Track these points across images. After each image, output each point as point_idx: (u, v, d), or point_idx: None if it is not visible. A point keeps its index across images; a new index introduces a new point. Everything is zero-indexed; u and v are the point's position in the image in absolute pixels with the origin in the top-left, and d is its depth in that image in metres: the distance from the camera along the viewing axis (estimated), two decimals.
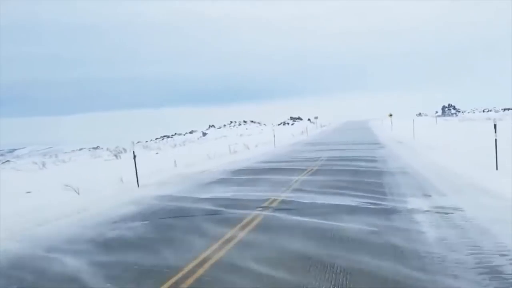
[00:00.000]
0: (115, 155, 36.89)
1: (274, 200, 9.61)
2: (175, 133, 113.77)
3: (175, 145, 54.35)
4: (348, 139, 33.09)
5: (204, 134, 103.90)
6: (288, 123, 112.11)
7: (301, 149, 24.96)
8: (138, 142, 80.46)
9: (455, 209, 7.75)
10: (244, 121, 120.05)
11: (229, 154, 25.66)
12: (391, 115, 60.20)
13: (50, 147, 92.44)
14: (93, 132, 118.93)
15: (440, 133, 32.74)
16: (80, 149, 68.85)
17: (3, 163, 40.22)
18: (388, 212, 7.78)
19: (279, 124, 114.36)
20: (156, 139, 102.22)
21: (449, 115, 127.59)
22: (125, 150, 57.16)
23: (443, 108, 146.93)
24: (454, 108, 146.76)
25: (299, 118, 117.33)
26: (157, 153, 39.74)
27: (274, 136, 29.64)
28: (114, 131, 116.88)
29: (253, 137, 53.36)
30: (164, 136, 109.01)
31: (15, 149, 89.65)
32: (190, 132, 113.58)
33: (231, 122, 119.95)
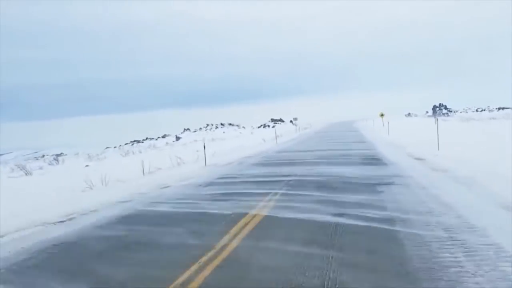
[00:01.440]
0: (25, 172, 25.80)
1: None
2: (146, 138, 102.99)
3: (127, 153, 42.92)
4: (330, 151, 21.17)
5: (178, 138, 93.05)
6: (268, 126, 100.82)
7: (235, 179, 12.57)
8: (107, 147, 72.22)
9: None
10: (222, 124, 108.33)
11: (137, 179, 14.47)
12: (382, 114, 48.82)
13: (36, 152, 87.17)
14: (80, 137, 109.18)
15: (463, 140, 21.04)
16: (43, 156, 61.21)
17: None
18: None
19: (259, 127, 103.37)
20: (126, 144, 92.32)
21: (440, 115, 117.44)
22: (56, 160, 45.21)
23: (434, 107, 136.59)
24: (446, 107, 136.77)
25: (281, 120, 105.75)
26: (87, 165, 28.62)
27: (204, 147, 17.68)
28: (98, 135, 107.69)
29: (226, 142, 42.66)
30: (135, 141, 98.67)
31: (2, 154, 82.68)
32: (163, 136, 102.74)
33: (208, 125, 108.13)
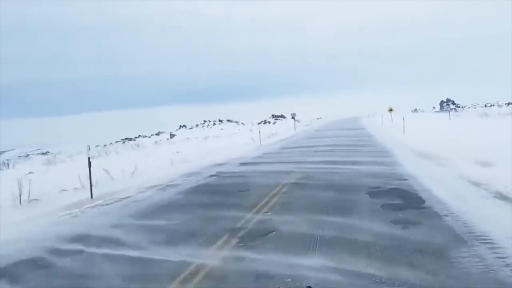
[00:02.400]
0: None
1: None
2: (139, 135, 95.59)
3: (100, 155, 35.05)
4: (323, 165, 12.90)
5: (172, 135, 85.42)
6: (269, 122, 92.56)
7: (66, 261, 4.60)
8: (97, 145, 65.17)
9: None
10: (220, 120, 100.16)
11: None
12: (391, 109, 40.31)
13: (39, 149, 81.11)
14: (84, 133, 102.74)
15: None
16: (27, 155, 56.64)
17: None
18: None
19: (259, 123, 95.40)
20: (117, 142, 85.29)
21: (447, 111, 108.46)
22: (6, 165, 38.11)
23: (441, 103, 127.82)
24: (453, 103, 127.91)
25: (282, 116, 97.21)
26: (31, 172, 21.18)
27: (89, 165, 9.38)
28: (101, 131, 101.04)
29: (220, 140, 35.22)
30: (126, 138, 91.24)
31: (4, 151, 78.45)
32: (157, 134, 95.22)
33: (205, 121, 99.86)
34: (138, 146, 52.05)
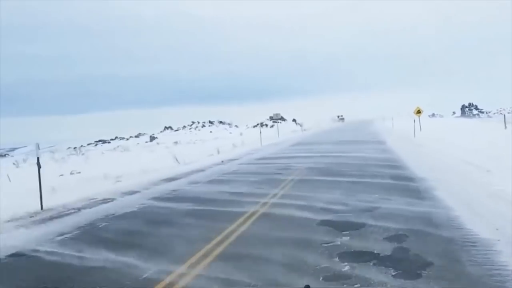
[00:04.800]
0: None
1: None
2: (116, 137, 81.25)
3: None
4: None
5: (152, 138, 70.64)
6: (266, 124, 76.13)
7: None
8: (68, 147, 54.55)
9: None
10: (211, 122, 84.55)
11: None
12: (419, 111, 24.24)
13: (52, 146, 75.48)
14: (91, 131, 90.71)
15: None
16: None
17: None
18: None
19: (254, 126, 79.25)
20: (89, 144, 72.05)
21: (470, 116, 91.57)
22: None
23: (463, 107, 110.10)
24: (476, 108, 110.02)
25: (282, 119, 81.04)
26: None
27: None
28: (103, 130, 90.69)
29: (198, 146, 27.61)
30: (100, 140, 77.69)
31: (16, 148, 76.31)
32: (137, 136, 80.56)
33: (193, 122, 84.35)
34: (83, 154, 38.64)
